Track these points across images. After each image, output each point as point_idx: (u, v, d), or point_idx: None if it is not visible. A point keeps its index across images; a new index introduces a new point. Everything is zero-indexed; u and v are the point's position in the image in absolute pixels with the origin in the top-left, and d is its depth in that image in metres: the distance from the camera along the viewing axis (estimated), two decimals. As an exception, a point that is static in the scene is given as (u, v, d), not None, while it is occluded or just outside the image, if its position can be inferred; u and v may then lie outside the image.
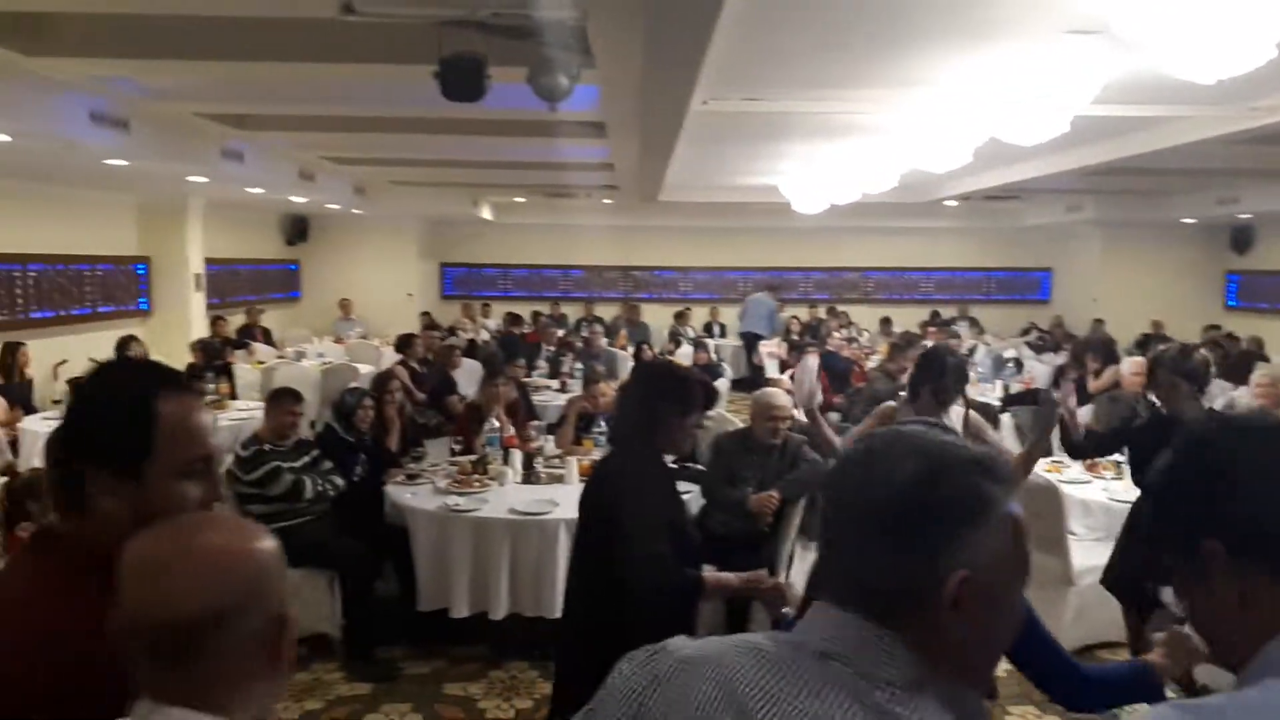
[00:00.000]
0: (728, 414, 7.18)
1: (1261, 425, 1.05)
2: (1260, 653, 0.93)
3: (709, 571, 2.68)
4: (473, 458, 5.43)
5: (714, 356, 10.87)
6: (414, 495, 4.92)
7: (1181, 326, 12.60)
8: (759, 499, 4.57)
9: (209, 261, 11.40)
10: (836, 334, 10.94)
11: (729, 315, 14.43)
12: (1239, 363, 8.10)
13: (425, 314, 13.52)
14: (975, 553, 0.90)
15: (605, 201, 13.76)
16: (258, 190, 10.03)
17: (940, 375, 3.63)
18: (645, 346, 10.45)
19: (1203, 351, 6.26)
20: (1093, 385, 7.60)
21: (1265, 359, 9.34)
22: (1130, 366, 6.27)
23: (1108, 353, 8.06)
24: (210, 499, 1.35)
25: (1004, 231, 15.07)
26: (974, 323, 14.23)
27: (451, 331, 11.40)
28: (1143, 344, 11.51)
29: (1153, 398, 4.75)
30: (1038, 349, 12.09)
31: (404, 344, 9.13)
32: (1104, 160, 8.30)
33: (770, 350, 11.25)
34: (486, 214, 14.48)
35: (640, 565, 2.46)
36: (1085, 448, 4.68)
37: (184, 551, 1.06)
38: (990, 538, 0.92)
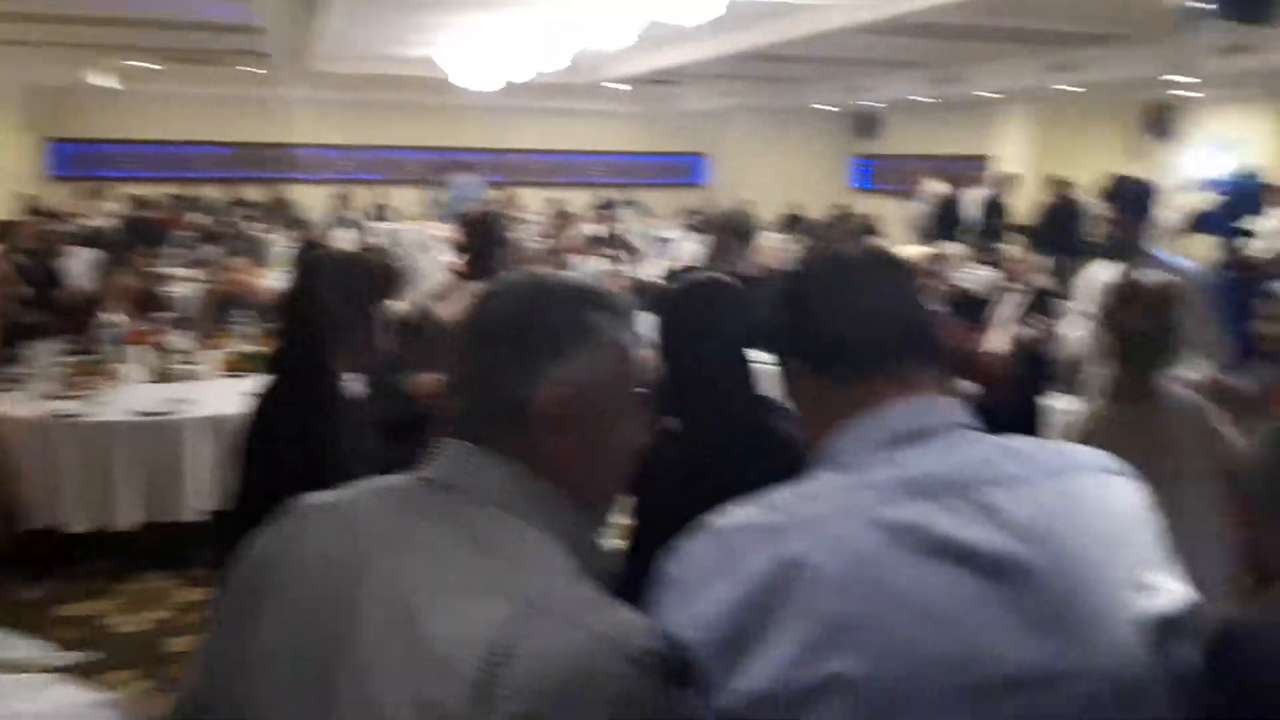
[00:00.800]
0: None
1: (831, 259, 1.17)
2: (818, 450, 1.03)
3: None
4: (89, 357, 4.77)
5: (385, 242, 10.34)
6: (12, 402, 4.29)
7: (817, 207, 13.77)
8: (418, 381, 4.40)
9: None
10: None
11: (402, 197, 13.75)
12: (856, 236, 9.00)
13: (26, 196, 11.45)
14: (572, 373, 0.95)
15: (257, 72, 12.43)
16: None
17: (489, 243, 3.65)
18: (304, 230, 9.71)
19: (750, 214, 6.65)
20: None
21: (875, 233, 10.49)
22: (771, 244, 6.71)
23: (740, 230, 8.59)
24: None
25: (668, 116, 15.53)
26: (638, 206, 14.68)
27: (54, 216, 9.90)
28: (790, 224, 12.46)
29: None
30: (697, 230, 12.72)
31: (4, 232, 7.83)
32: (757, 45, 8.71)
33: (443, 234, 10.87)
34: (109, 82, 12.59)
35: None
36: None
37: None
38: (590, 362, 0.96)
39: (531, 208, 13.27)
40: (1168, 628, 0.94)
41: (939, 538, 0.89)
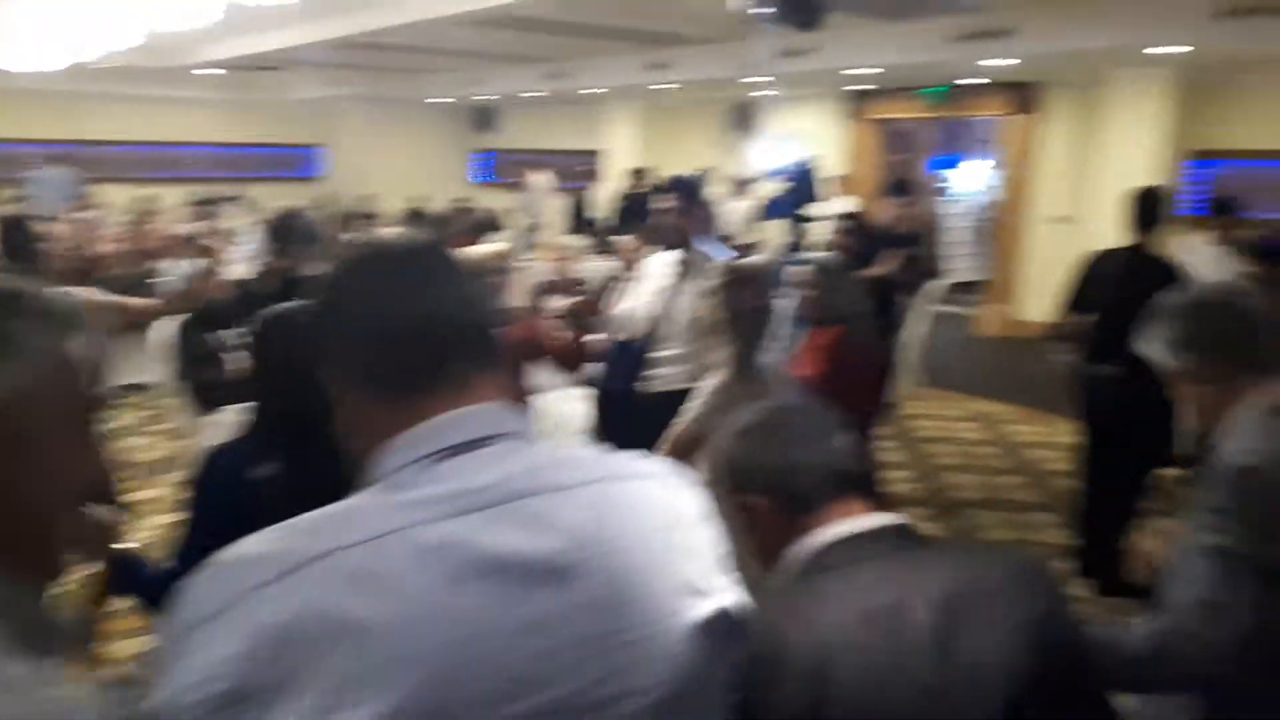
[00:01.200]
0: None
1: (366, 258, 0.98)
2: (366, 468, 0.90)
3: None
4: None
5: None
6: None
7: (441, 200, 13.62)
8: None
9: None
10: (71, 216, 9.44)
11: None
12: (477, 229, 8.99)
13: None
14: None
15: None
16: None
17: (17, 249, 3.52)
18: None
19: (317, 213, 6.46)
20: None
21: (498, 227, 10.60)
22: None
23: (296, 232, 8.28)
24: None
25: (275, 105, 14.59)
26: (246, 201, 13.62)
27: None
28: (412, 218, 12.17)
29: None
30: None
31: None
32: (356, 31, 8.35)
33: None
34: None
35: None
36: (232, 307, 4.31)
37: None
38: (3, 381, 0.78)
39: (118, 205, 11.83)
40: (716, 632, 0.92)
41: (481, 554, 0.81)
